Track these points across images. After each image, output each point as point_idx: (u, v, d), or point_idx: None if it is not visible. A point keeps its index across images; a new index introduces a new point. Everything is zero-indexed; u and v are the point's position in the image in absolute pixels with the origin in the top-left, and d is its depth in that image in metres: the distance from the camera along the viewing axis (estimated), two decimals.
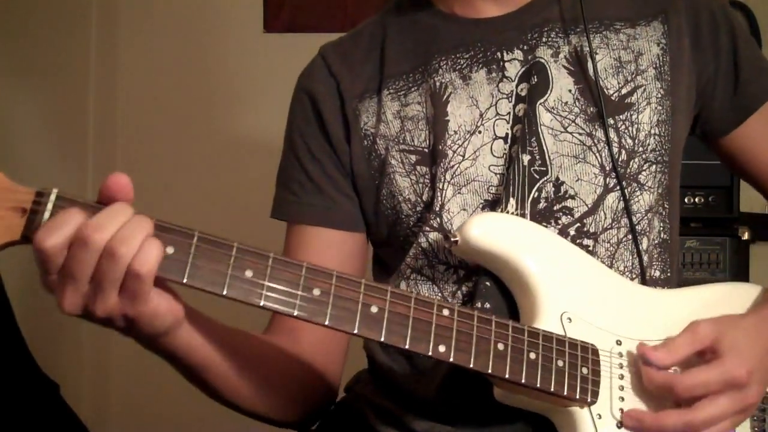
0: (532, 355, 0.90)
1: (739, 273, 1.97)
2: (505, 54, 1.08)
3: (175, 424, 2.42)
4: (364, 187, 1.13)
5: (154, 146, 2.52)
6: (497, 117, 1.07)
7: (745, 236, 2.00)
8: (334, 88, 1.14)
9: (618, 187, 1.04)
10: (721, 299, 1.05)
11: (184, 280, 0.79)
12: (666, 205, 1.09)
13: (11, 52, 2.26)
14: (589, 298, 0.98)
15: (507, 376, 0.89)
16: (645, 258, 1.05)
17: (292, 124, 1.18)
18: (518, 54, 1.08)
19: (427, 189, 1.07)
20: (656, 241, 1.08)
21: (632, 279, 1.06)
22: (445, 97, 1.08)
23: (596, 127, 1.05)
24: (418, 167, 1.08)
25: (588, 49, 1.07)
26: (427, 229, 1.07)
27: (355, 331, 0.84)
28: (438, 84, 1.09)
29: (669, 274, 1.10)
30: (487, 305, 1.01)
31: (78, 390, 2.36)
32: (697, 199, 1.98)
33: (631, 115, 1.06)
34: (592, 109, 1.05)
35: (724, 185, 1.97)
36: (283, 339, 1.07)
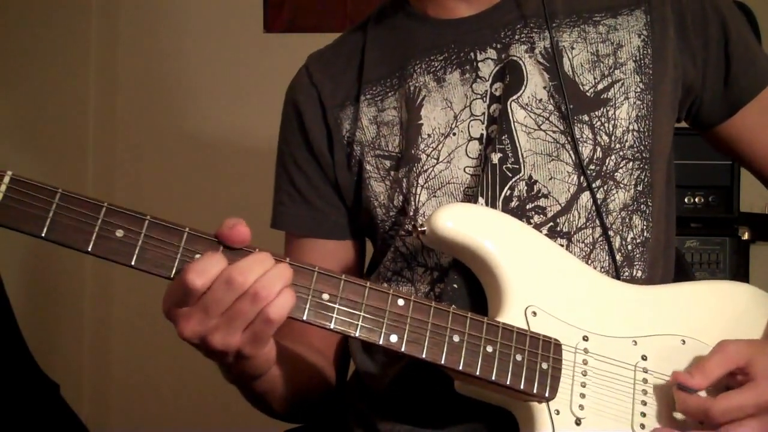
0: (489, 348, 0.89)
1: (739, 273, 1.97)
2: (478, 54, 1.07)
3: (174, 424, 2.42)
4: (347, 194, 1.14)
5: (153, 146, 2.52)
6: (472, 118, 1.06)
7: (745, 236, 2.00)
8: (315, 98, 1.14)
9: (593, 186, 1.02)
10: (702, 297, 1.04)
11: (304, 318, 0.85)
12: (649, 203, 1.05)
13: (11, 52, 2.26)
14: (558, 293, 0.97)
15: (460, 368, 0.88)
16: (619, 257, 1.03)
17: (281, 136, 1.20)
18: (492, 53, 1.07)
19: (400, 194, 1.07)
20: (638, 240, 1.05)
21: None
22: (419, 101, 1.07)
23: (570, 125, 1.03)
24: (392, 172, 1.08)
25: (562, 44, 1.05)
26: (403, 233, 1.07)
27: (304, 318, 0.85)
28: (413, 88, 1.08)
29: (654, 275, 1.07)
30: (454, 307, 1.01)
31: (78, 390, 2.36)
32: (697, 199, 1.98)
33: (607, 111, 1.03)
34: (565, 107, 1.03)
35: (724, 185, 1.97)
36: (291, 336, 1.07)
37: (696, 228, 1.98)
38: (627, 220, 1.04)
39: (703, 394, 0.93)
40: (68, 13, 2.41)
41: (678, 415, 0.93)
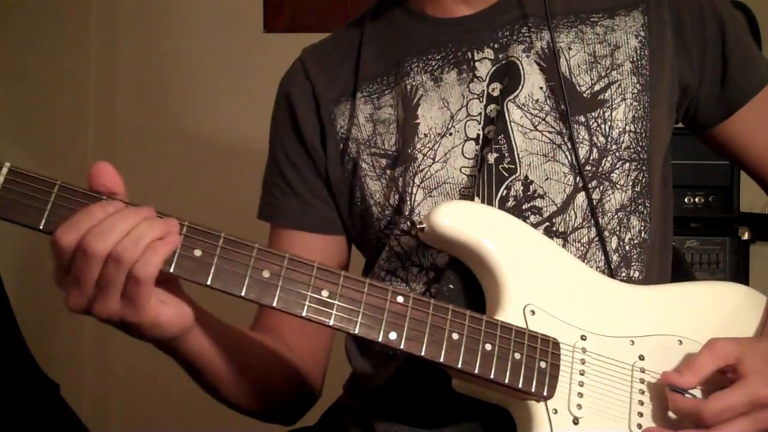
0: (488, 347, 0.89)
1: (739, 273, 1.97)
2: (475, 53, 1.07)
3: (174, 423, 2.42)
4: (339, 190, 1.13)
5: (153, 146, 2.52)
6: (468, 118, 1.05)
7: (745, 236, 2.00)
8: (309, 92, 1.14)
9: (588, 186, 1.02)
10: (698, 297, 1.04)
11: (303, 314, 0.84)
12: (647, 204, 1.05)
13: (12, 52, 2.26)
14: (556, 292, 0.96)
15: (459, 366, 0.88)
16: (616, 258, 1.03)
17: (272, 127, 1.20)
18: (489, 53, 1.07)
19: (396, 193, 1.06)
20: (635, 241, 1.05)
21: None
22: (416, 99, 1.07)
23: (567, 125, 1.03)
24: (388, 171, 1.08)
25: (559, 45, 1.05)
26: (398, 232, 1.06)
27: (304, 314, 0.84)
28: (409, 87, 1.08)
29: (651, 275, 1.07)
30: (453, 305, 1.01)
31: (78, 390, 2.36)
32: (697, 199, 1.98)
33: (603, 112, 1.03)
34: (563, 106, 1.03)
35: (724, 185, 1.97)
36: (268, 336, 1.07)
37: (696, 228, 1.99)
38: (625, 221, 1.04)
39: (697, 393, 0.93)
40: (68, 13, 2.41)
41: (673, 415, 0.93)
